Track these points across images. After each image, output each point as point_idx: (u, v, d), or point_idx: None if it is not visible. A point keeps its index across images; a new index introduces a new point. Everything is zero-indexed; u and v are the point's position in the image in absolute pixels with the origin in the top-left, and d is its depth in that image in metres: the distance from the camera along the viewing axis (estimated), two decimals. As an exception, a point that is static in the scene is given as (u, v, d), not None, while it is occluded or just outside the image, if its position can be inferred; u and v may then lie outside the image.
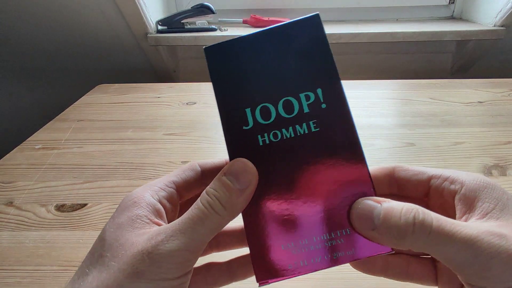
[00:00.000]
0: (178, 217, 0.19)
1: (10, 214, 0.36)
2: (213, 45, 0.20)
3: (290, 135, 0.19)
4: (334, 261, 0.19)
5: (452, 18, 1.04)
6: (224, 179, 0.18)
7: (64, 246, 0.32)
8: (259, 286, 0.18)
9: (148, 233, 0.17)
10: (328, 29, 0.90)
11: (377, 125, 0.52)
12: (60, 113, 0.60)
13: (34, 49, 0.97)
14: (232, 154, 0.20)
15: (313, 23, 0.20)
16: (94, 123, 0.56)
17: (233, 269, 0.23)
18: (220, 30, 0.93)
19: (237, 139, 0.20)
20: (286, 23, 0.20)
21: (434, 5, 1.02)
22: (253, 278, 0.19)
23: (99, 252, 0.17)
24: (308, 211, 0.19)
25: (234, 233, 0.24)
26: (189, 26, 0.92)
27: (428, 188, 0.21)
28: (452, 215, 0.19)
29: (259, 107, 0.20)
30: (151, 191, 0.20)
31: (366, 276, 0.28)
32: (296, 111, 0.19)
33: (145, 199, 0.19)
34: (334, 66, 0.20)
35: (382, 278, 0.28)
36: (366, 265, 0.22)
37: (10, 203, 0.38)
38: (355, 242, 0.19)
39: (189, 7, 0.92)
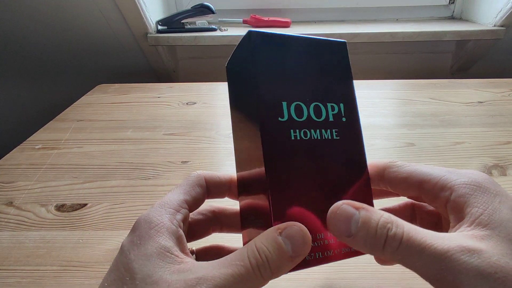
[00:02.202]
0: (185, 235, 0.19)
1: (10, 214, 0.36)
2: (260, 31, 0.21)
3: (317, 137, 0.21)
4: (320, 260, 0.19)
5: (452, 18, 1.04)
6: (280, 241, 0.17)
7: (64, 246, 0.32)
8: None
9: (182, 272, 0.16)
10: (328, 29, 0.90)
11: (377, 125, 0.52)
12: (60, 113, 0.60)
13: (34, 49, 0.97)
14: (266, 143, 0.20)
15: (342, 48, 0.23)
16: (94, 123, 0.56)
17: None
18: (220, 30, 0.93)
19: (272, 129, 0.20)
20: (325, 40, 0.23)
21: (434, 5, 1.02)
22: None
23: (130, 287, 0.16)
24: (316, 207, 0.20)
25: (237, 215, 0.24)
26: (189, 26, 0.92)
27: (419, 192, 0.20)
28: (448, 219, 0.18)
29: (294, 104, 0.21)
30: (168, 214, 0.19)
31: (366, 276, 0.28)
32: (323, 117, 0.21)
33: (165, 225, 0.18)
34: (353, 87, 0.23)
35: (381, 278, 0.28)
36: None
37: (10, 203, 0.38)
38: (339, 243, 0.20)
39: (189, 7, 0.92)
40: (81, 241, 0.33)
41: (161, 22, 0.92)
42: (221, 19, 0.99)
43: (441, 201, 0.18)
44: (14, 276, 0.29)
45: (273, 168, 0.19)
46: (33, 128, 0.55)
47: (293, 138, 0.20)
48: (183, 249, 0.18)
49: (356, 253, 0.20)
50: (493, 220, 0.16)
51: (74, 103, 0.64)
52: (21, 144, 0.50)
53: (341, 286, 0.27)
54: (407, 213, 0.23)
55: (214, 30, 0.92)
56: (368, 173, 0.21)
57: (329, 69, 0.22)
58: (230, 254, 0.17)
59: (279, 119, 0.20)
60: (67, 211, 0.36)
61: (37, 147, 0.49)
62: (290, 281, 0.28)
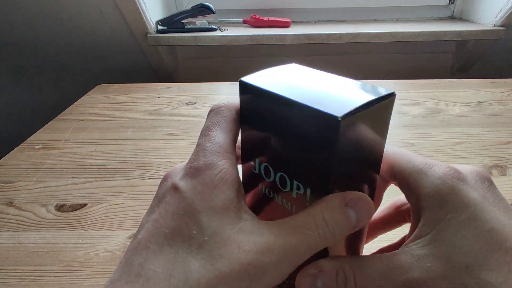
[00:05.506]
0: None
1: (10, 214, 0.36)
2: (246, 82, 0.19)
3: (279, 202, 0.20)
4: None
5: (452, 18, 1.04)
6: (348, 214, 0.16)
7: (64, 246, 0.32)
8: None
9: (247, 232, 0.15)
10: (328, 29, 0.90)
11: (377, 125, 0.52)
12: (60, 113, 0.60)
13: (34, 49, 0.97)
14: (244, 186, 0.21)
15: (332, 126, 0.15)
16: (94, 123, 0.56)
17: None
18: (220, 30, 0.93)
19: (248, 177, 0.21)
20: (315, 109, 0.16)
21: (434, 5, 1.02)
22: None
23: (199, 242, 0.15)
24: None
25: None
26: (189, 26, 0.92)
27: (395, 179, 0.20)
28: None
29: (264, 164, 0.20)
30: (229, 159, 0.17)
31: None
32: (287, 189, 0.19)
33: (229, 171, 0.17)
34: (331, 176, 0.16)
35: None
36: None
37: (10, 203, 0.38)
38: None
39: (189, 7, 0.92)
40: (81, 241, 0.33)
41: (161, 22, 0.92)
42: (221, 19, 0.99)
43: (410, 203, 0.19)
44: (14, 276, 0.29)
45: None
46: (33, 128, 0.55)
47: (261, 190, 0.21)
48: (244, 197, 0.17)
49: None
50: (436, 239, 0.16)
51: (74, 103, 0.64)
52: (21, 144, 0.50)
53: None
54: (393, 219, 0.23)
55: (214, 30, 0.92)
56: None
57: (312, 143, 0.16)
58: (293, 219, 0.16)
59: (253, 170, 0.21)
60: (67, 211, 0.36)
61: (37, 147, 0.49)
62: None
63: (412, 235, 0.17)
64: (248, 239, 0.15)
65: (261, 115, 0.19)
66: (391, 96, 0.17)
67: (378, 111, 0.16)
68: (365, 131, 0.16)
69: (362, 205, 0.17)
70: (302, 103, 0.16)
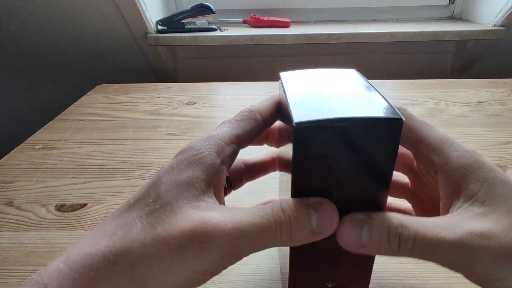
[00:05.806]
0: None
1: (10, 214, 0.36)
2: (280, 76, 0.21)
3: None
4: None
5: (452, 18, 1.04)
6: (309, 212, 0.16)
7: (64, 246, 0.32)
8: None
9: (202, 209, 0.16)
10: (328, 29, 0.90)
11: (377, 125, 0.52)
12: (60, 113, 0.60)
13: (34, 49, 0.97)
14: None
15: (292, 126, 0.15)
16: (94, 123, 0.56)
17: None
18: (220, 30, 0.93)
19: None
20: (289, 110, 0.16)
21: (434, 5, 1.02)
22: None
23: (151, 208, 0.16)
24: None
25: (261, 161, 0.25)
26: (189, 26, 0.92)
27: (414, 149, 0.20)
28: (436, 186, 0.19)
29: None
30: (218, 146, 0.18)
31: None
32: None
33: (210, 155, 0.17)
34: (293, 183, 0.17)
35: (381, 278, 0.28)
36: None
37: (10, 203, 0.38)
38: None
39: (189, 7, 0.92)
40: (81, 241, 0.32)
41: (161, 22, 0.92)
42: (221, 19, 0.99)
43: (432, 166, 0.19)
44: (14, 276, 0.29)
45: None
46: (33, 128, 0.55)
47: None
48: (218, 185, 0.18)
49: None
50: (489, 196, 0.16)
51: (74, 103, 0.64)
52: (21, 144, 0.50)
53: (341, 286, 0.27)
54: None
55: (214, 30, 0.92)
56: None
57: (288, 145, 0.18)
58: (254, 206, 0.16)
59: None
60: (67, 211, 0.36)
61: (37, 147, 0.49)
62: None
63: (463, 197, 0.17)
64: (199, 213, 0.15)
65: (281, 107, 0.20)
66: (392, 121, 0.15)
67: (369, 131, 0.15)
68: (348, 147, 0.15)
69: (325, 209, 0.16)
70: (288, 101, 0.17)
